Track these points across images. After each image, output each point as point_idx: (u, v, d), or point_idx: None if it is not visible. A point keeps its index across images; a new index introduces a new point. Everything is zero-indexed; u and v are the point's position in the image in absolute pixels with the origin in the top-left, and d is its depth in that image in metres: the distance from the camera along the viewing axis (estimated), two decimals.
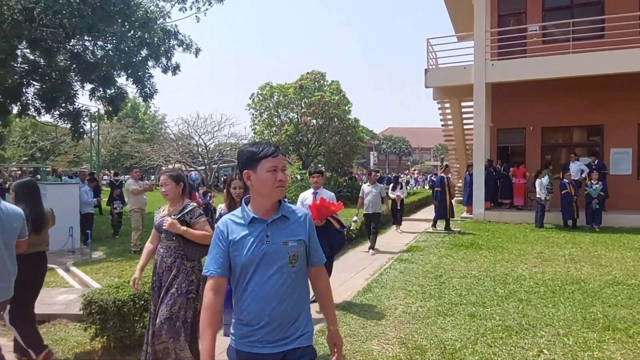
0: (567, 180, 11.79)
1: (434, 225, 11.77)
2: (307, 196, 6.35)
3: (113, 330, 3.79)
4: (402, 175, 16.60)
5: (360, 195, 9.17)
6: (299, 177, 16.20)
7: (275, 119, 21.90)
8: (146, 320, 3.91)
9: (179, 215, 3.38)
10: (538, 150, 14.80)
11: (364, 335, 4.41)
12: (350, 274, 7.18)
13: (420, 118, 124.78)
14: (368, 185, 9.08)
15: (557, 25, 13.95)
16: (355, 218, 9.20)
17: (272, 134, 21.69)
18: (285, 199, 2.16)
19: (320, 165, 24.01)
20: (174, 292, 3.30)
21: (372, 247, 9.00)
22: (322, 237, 3.63)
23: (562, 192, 11.76)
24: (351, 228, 9.33)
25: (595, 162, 12.99)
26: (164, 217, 3.44)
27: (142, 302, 4.00)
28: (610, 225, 11.82)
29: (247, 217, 1.94)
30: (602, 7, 13.90)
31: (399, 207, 11.82)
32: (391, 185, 12.45)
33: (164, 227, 3.35)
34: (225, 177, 32.14)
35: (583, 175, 12.48)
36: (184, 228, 3.33)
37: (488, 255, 8.30)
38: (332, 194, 6.04)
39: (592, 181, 11.69)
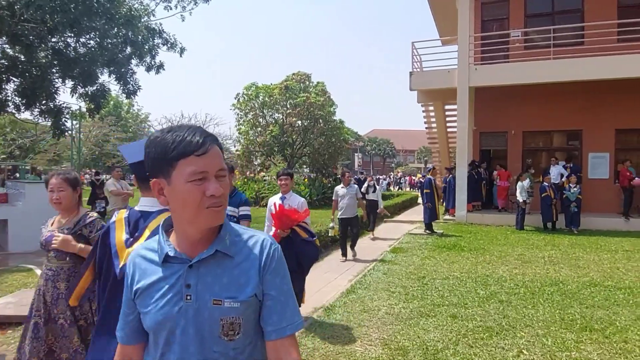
0: (547, 184, 12.02)
1: (428, 229, 11.50)
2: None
3: None
4: (374, 177, 15.87)
5: (334, 198, 8.61)
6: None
7: (261, 120, 21.80)
8: None
9: (74, 229, 2.75)
10: (519, 154, 15.05)
11: (347, 336, 4.42)
12: (334, 275, 7.19)
13: (404, 120, 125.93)
14: (342, 187, 8.48)
15: (539, 32, 14.24)
16: (332, 225, 8.66)
17: (257, 134, 21.60)
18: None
19: (304, 166, 23.99)
20: (64, 322, 2.69)
21: (347, 253, 8.45)
22: (288, 249, 3.43)
23: (542, 195, 11.99)
24: (330, 235, 8.96)
25: (571, 166, 13.27)
26: (52, 231, 2.77)
27: None
28: (588, 227, 12.09)
29: (161, 253, 1.19)
30: (582, 15, 14.22)
31: (375, 212, 10.90)
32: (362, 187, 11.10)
33: (53, 245, 2.66)
34: None
35: (563, 179, 12.72)
36: (81, 245, 2.68)
37: (470, 257, 8.41)
38: (303, 199, 5.27)
39: (571, 184, 11.94)
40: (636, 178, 12.13)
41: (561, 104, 14.20)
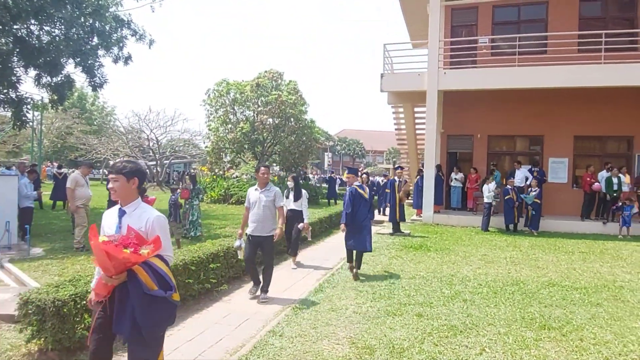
0: (510, 187, 12.44)
1: (396, 230, 11.39)
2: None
3: (51, 332, 3.58)
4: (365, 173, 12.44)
5: (245, 204, 5.87)
6: (252, 176, 15.99)
7: (231, 116, 21.54)
8: (87, 321, 3.75)
9: None
10: (485, 157, 15.50)
11: (314, 335, 4.44)
12: (302, 274, 7.21)
13: (374, 121, 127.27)
14: (255, 189, 5.74)
15: (505, 39, 14.71)
16: (238, 243, 5.79)
17: (227, 131, 21.33)
18: None
19: (274, 164, 23.88)
20: None
21: (262, 291, 5.71)
22: (122, 310, 2.58)
23: (505, 198, 12.40)
24: (239, 257, 6.02)
25: (537, 170, 13.78)
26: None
27: (84, 302, 3.80)
28: (547, 229, 12.60)
29: None
30: (546, 25, 14.77)
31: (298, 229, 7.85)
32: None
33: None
34: (177, 173, 31.31)
35: (528, 182, 13.18)
36: None
37: (436, 257, 8.60)
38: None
39: (531, 188, 12.39)
40: (596, 183, 12.71)
41: (524, 110, 14.72)
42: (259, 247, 5.70)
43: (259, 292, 5.78)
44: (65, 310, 3.62)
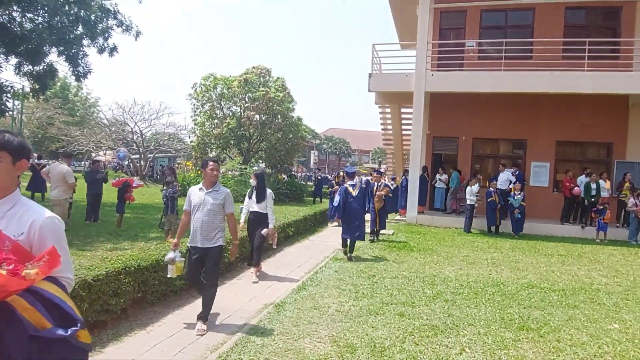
0: (492, 189, 12.60)
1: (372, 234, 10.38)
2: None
3: None
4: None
5: (185, 207, 4.73)
6: (237, 172, 15.92)
7: (218, 112, 21.34)
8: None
9: None
10: (469, 159, 15.67)
11: (296, 333, 4.43)
12: (286, 271, 7.19)
13: (361, 121, 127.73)
14: (200, 189, 4.66)
15: (492, 43, 14.88)
16: (171, 255, 4.64)
17: (213, 126, 21.13)
18: None
19: (260, 161, 23.75)
20: None
21: (200, 319, 4.57)
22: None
23: (488, 200, 12.56)
24: (168, 276, 4.81)
25: (517, 173, 14.00)
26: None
27: None
28: (528, 232, 12.80)
29: None
30: (532, 31, 14.99)
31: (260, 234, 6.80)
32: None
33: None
34: (162, 167, 30.93)
35: (511, 186, 13.37)
36: None
37: (419, 257, 8.66)
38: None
39: (515, 192, 12.58)
40: (576, 188, 12.95)
41: (509, 114, 14.93)
42: (202, 261, 4.54)
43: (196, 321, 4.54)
44: None
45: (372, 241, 10.11)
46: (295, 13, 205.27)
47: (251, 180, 7.21)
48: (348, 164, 63.84)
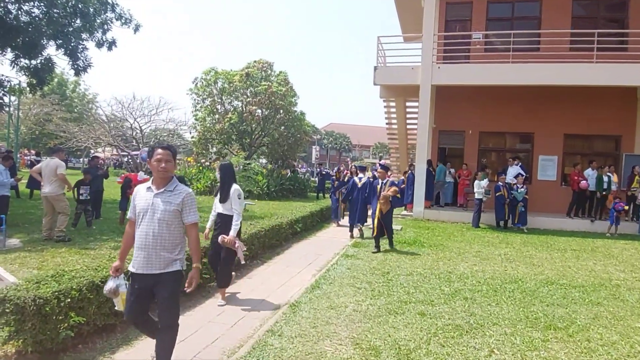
0: (501, 183, 12.38)
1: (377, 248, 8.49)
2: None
3: (31, 333, 3.25)
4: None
5: (129, 214, 3.39)
6: (241, 167, 15.67)
7: (219, 107, 21.02)
8: (72, 320, 3.45)
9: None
10: (475, 153, 15.43)
11: (315, 335, 4.20)
12: (297, 269, 6.96)
13: (361, 116, 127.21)
14: (148, 188, 3.29)
15: (498, 35, 14.61)
16: (112, 284, 3.34)
17: (214, 121, 20.81)
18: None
19: (262, 157, 23.44)
20: None
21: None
22: None
23: (497, 194, 12.34)
24: (117, 308, 3.50)
25: (520, 166, 13.75)
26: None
27: (68, 299, 3.49)
28: (537, 227, 12.59)
29: None
30: (539, 22, 14.72)
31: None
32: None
33: None
34: None
35: (514, 179, 13.13)
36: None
37: (431, 253, 8.45)
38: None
39: (518, 185, 12.37)
40: (583, 181, 12.74)
41: (516, 107, 14.69)
42: (149, 294, 3.22)
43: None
44: (47, 309, 3.29)
45: (376, 251, 8.27)
46: (293, 7, 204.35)
47: (217, 173, 5.77)
48: (349, 159, 63.63)
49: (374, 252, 8.20)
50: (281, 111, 20.46)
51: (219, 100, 21.10)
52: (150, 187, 3.25)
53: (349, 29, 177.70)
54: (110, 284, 3.30)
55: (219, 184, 5.45)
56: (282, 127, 20.68)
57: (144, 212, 3.18)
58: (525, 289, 6.18)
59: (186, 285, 3.19)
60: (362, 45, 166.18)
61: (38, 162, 15.09)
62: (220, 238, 5.13)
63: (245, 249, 5.49)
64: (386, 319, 4.68)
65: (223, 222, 5.28)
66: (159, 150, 3.22)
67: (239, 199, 5.26)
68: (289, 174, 20.38)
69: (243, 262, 5.50)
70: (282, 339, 4.07)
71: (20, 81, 15.04)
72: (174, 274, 3.21)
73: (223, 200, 5.28)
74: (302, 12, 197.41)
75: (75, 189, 9.37)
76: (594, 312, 5.28)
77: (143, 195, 3.25)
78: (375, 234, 8.53)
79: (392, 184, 8.75)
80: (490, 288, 6.11)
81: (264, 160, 23.58)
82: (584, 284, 6.60)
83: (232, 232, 5.12)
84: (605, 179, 12.55)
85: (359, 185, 9.98)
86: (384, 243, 8.77)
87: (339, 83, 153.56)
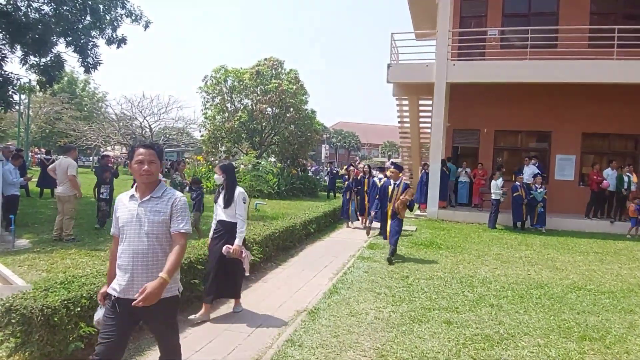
0: (519, 183, 12.05)
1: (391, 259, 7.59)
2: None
3: (39, 345, 3.04)
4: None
5: (112, 229, 2.81)
6: (251, 166, 15.41)
7: (229, 105, 20.84)
8: (82, 330, 3.24)
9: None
10: (491, 152, 15.10)
11: (337, 345, 3.97)
12: (313, 272, 6.73)
13: (370, 115, 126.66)
14: (132, 197, 2.74)
15: (514, 32, 14.24)
16: (100, 314, 2.71)
17: (224, 119, 20.64)
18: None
19: (272, 156, 23.25)
20: None
21: None
22: None
23: (514, 195, 12.01)
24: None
25: (536, 165, 13.41)
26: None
27: (78, 308, 3.28)
28: (555, 227, 12.24)
29: None
30: (557, 18, 14.34)
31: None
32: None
33: None
34: (170, 162, 30.70)
35: (532, 179, 12.79)
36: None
37: (449, 256, 8.17)
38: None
39: (537, 185, 12.03)
40: (604, 181, 12.37)
41: (532, 105, 14.32)
42: (133, 322, 2.70)
43: None
44: (55, 319, 3.09)
45: (389, 262, 7.32)
46: (300, 7, 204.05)
47: (215, 176, 4.90)
48: (357, 157, 63.32)
49: (388, 260, 7.35)
50: (291, 109, 20.22)
51: (229, 98, 20.92)
52: (133, 195, 2.72)
53: (357, 27, 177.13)
54: (99, 314, 2.71)
55: (221, 186, 4.82)
56: (292, 126, 20.44)
57: (128, 225, 2.65)
58: (552, 295, 5.89)
59: (136, 295, 2.38)
60: (371, 43, 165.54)
61: (48, 160, 15.03)
62: (224, 249, 4.56)
63: (251, 258, 4.99)
64: (411, 328, 4.43)
65: (225, 230, 4.66)
66: (141, 150, 2.68)
67: (244, 203, 4.74)
68: (299, 173, 20.16)
69: (247, 273, 4.89)
70: (303, 349, 3.84)
71: (30, 80, 14.95)
72: (168, 301, 2.60)
73: (226, 205, 4.67)
74: (308, 11, 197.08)
75: (96, 188, 9.51)
76: (628, 321, 4.99)
77: (126, 205, 2.72)
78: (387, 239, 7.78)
79: (407, 186, 7.72)
80: (515, 294, 5.83)
81: (273, 159, 23.39)
82: (612, 290, 6.30)
83: (238, 241, 4.58)
84: (625, 179, 12.18)
85: (379, 185, 9.52)
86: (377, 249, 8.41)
87: (348, 82, 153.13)
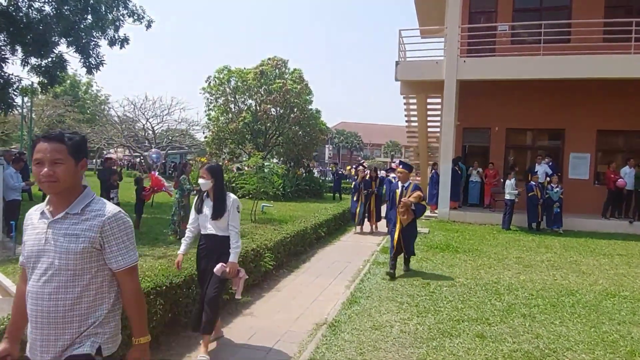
0: (534, 183, 11.69)
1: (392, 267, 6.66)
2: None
3: None
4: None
5: (20, 258, 1.97)
6: (255, 168, 15.12)
7: (232, 106, 20.53)
8: None
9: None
10: (502, 151, 14.72)
11: None
12: (328, 279, 6.38)
13: (372, 114, 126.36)
14: (42, 214, 1.87)
15: (526, 27, 13.87)
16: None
17: (228, 120, 20.32)
18: None
19: (277, 156, 22.95)
20: None
21: None
22: None
23: (529, 195, 11.65)
24: None
25: (550, 164, 13.03)
26: None
27: None
28: (570, 228, 11.86)
29: None
30: (570, 12, 13.96)
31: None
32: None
33: None
34: (173, 164, 30.41)
35: (548, 179, 12.44)
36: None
37: (467, 260, 7.82)
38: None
39: (553, 184, 11.67)
40: (620, 179, 11.98)
41: (545, 102, 13.94)
42: None
43: None
44: None
45: (390, 276, 6.34)
46: (299, 5, 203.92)
47: (200, 180, 3.84)
48: (360, 157, 63.00)
49: (388, 273, 6.38)
50: (296, 109, 19.89)
51: (232, 99, 20.61)
52: (44, 212, 1.84)
53: (360, 26, 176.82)
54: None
55: (207, 194, 3.89)
56: (297, 126, 20.10)
57: (35, 256, 1.81)
58: (586, 303, 5.52)
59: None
60: (372, 42, 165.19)
61: None
62: (219, 267, 3.70)
63: (247, 277, 4.12)
64: (442, 343, 4.08)
65: (213, 246, 3.83)
66: (41, 145, 1.78)
67: (238, 212, 3.90)
68: (304, 174, 19.82)
69: (239, 296, 4.10)
70: None
71: (32, 82, 14.69)
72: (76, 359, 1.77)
73: (217, 215, 3.77)
74: (308, 9, 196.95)
75: (105, 193, 9.26)
76: None
77: (35, 225, 1.86)
78: (394, 251, 6.54)
79: (416, 187, 6.69)
80: (546, 302, 5.47)
81: (276, 160, 23.07)
82: None
83: (233, 257, 3.78)
84: None
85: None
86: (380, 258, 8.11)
87: (350, 82, 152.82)
